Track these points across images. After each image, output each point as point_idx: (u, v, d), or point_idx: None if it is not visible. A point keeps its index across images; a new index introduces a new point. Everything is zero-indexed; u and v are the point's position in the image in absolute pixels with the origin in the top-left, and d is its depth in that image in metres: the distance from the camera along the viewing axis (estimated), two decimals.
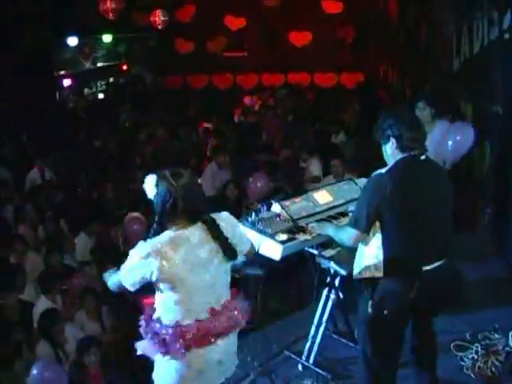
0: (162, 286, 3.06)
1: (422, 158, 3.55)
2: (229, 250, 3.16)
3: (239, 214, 4.19)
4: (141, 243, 3.08)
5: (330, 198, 4.45)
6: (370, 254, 3.52)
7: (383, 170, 3.50)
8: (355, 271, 3.64)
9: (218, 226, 3.14)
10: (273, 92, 15.76)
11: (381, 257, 3.47)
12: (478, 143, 6.94)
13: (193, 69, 17.45)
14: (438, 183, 3.60)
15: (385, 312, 3.50)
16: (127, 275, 3.10)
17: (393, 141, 3.53)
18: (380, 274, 3.48)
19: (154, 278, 3.02)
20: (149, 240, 3.07)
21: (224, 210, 3.31)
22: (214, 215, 3.19)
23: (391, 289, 3.49)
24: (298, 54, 16.26)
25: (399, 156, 3.52)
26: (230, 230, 3.18)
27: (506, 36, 6.23)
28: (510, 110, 6.20)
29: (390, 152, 3.57)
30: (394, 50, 14.11)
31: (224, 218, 3.21)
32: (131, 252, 3.09)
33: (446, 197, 3.63)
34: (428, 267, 3.48)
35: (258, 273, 4.73)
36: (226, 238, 3.14)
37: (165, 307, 3.12)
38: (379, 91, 14.38)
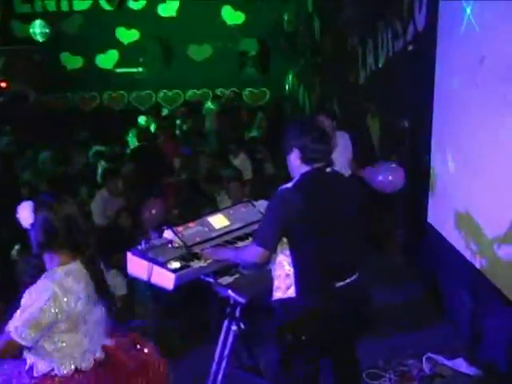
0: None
1: (328, 170, 3.66)
2: (105, 293, 3.20)
3: (133, 245, 4.15)
4: (35, 287, 2.95)
5: (227, 222, 4.45)
6: (280, 274, 3.59)
7: (289, 185, 3.57)
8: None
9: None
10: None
11: (291, 275, 3.53)
12: (384, 158, 7.21)
13: (82, 86, 17.23)
14: (345, 196, 3.71)
15: (303, 337, 3.53)
16: (31, 329, 2.88)
17: (296, 151, 3.62)
18: (292, 293, 3.55)
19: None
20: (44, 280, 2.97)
21: (116, 241, 3.30)
22: None
23: (306, 308, 3.53)
24: (197, 69, 16.38)
25: (303, 169, 3.61)
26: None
27: (410, 48, 6.53)
28: (418, 124, 6.46)
29: (294, 163, 3.66)
30: (299, 64, 14.49)
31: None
32: (24, 302, 2.92)
33: (355, 209, 3.75)
34: (341, 283, 3.57)
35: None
36: (104, 280, 3.17)
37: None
38: (286, 107, 14.69)
